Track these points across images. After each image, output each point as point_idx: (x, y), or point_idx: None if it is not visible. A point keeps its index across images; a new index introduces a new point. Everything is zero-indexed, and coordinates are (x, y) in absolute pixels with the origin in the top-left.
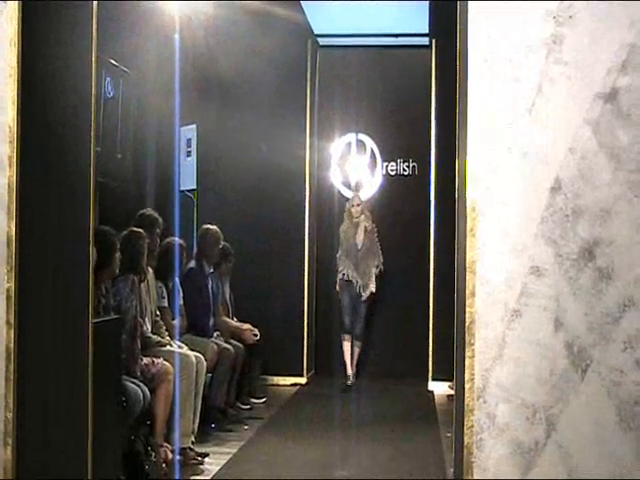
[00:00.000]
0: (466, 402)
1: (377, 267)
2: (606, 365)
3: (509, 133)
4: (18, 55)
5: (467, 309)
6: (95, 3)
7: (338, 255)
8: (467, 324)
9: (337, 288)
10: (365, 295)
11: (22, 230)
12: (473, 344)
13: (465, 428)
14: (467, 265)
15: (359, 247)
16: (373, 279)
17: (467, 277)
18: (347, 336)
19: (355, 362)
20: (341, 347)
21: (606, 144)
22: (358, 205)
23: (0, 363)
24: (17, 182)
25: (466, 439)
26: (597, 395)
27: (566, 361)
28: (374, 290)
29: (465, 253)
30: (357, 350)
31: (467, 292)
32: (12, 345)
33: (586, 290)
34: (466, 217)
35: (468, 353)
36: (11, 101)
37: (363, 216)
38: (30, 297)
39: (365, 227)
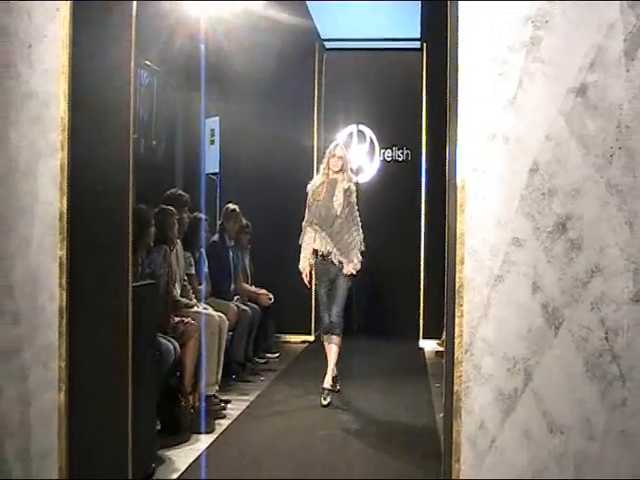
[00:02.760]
0: (455, 355)
1: (361, 243)
2: (576, 323)
3: (494, 122)
4: (69, 55)
5: (457, 275)
6: (134, 11)
7: (305, 223)
8: (457, 288)
9: (304, 271)
10: (347, 272)
11: (72, 205)
12: (462, 305)
13: (455, 378)
14: (457, 237)
15: (337, 213)
16: (359, 255)
17: (457, 247)
18: (330, 337)
19: (334, 369)
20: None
21: (577, 132)
22: (340, 158)
23: (54, 320)
24: (68, 164)
25: (455, 387)
26: (568, 349)
27: (542, 320)
28: (358, 268)
29: (455, 226)
30: (336, 350)
31: (457, 260)
32: (64, 304)
33: (559, 258)
34: (456, 195)
35: (457, 313)
36: (63, 95)
37: (345, 174)
38: (79, 263)
39: (344, 188)
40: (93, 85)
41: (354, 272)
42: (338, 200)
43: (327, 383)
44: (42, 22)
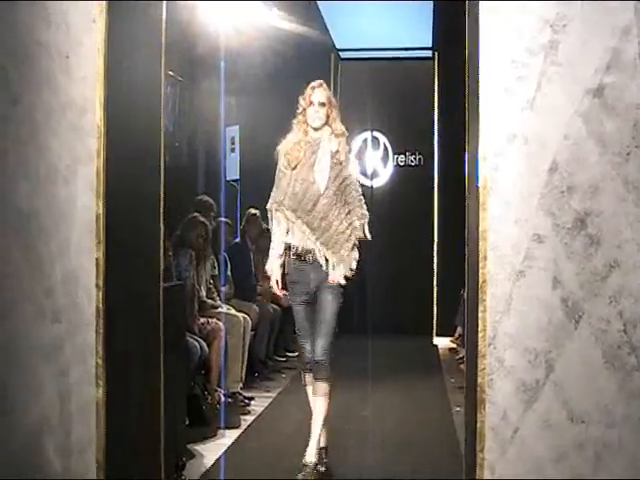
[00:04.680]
0: (479, 349)
1: (363, 229)
2: (595, 316)
3: (514, 123)
4: (104, 63)
5: (480, 271)
6: (164, 24)
7: (271, 206)
8: (480, 283)
9: (272, 277)
10: (333, 279)
11: (108, 209)
12: (485, 300)
13: (478, 370)
14: (479, 234)
15: (321, 190)
16: (355, 253)
17: (480, 244)
18: (315, 384)
19: (322, 435)
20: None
21: (594, 132)
22: (322, 105)
23: (92, 319)
24: (103, 169)
25: (479, 379)
26: (587, 341)
27: (562, 313)
28: (351, 271)
29: (477, 224)
30: (324, 404)
31: (480, 257)
32: (101, 304)
33: (579, 254)
34: (478, 194)
35: (481, 308)
36: (99, 102)
37: (333, 127)
38: (114, 264)
39: (332, 151)
40: (125, 93)
41: (342, 279)
42: (322, 170)
43: (310, 457)
44: (79, 33)
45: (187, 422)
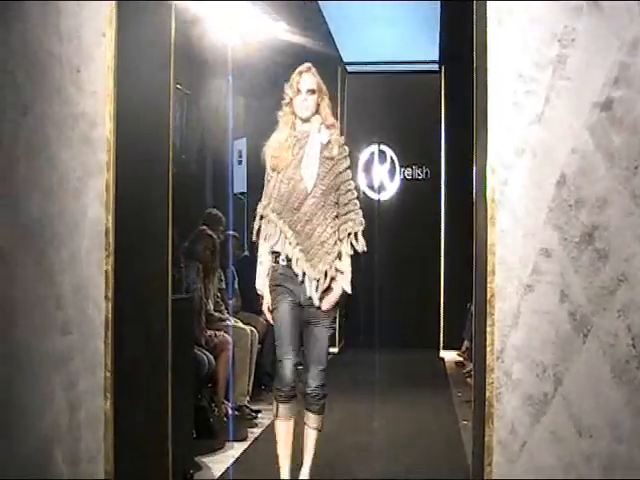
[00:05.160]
0: (487, 362)
1: (355, 235)
2: (603, 330)
3: (522, 136)
4: (114, 78)
5: (488, 285)
6: (172, 38)
7: (260, 209)
8: (488, 297)
9: (265, 296)
10: (318, 303)
11: (117, 222)
12: (493, 314)
13: (486, 384)
14: (488, 248)
15: (308, 189)
16: (345, 265)
17: (488, 258)
18: (286, 407)
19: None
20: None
21: (602, 145)
22: (310, 92)
23: (100, 330)
24: (113, 183)
25: (487, 393)
26: (595, 355)
27: (570, 327)
28: (341, 291)
29: (486, 238)
30: (314, 439)
31: (488, 270)
32: (110, 315)
33: (586, 267)
34: (486, 208)
35: (489, 321)
36: (108, 117)
37: (322, 117)
38: (123, 277)
39: (322, 144)
40: (135, 107)
41: (333, 303)
42: (310, 165)
43: None
44: (90, 46)
45: (195, 435)
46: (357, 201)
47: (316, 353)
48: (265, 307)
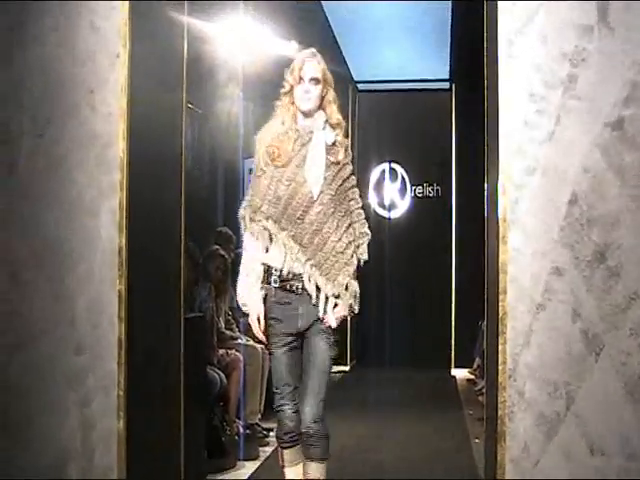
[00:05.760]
0: (499, 381)
1: (362, 249)
2: (615, 348)
3: (534, 156)
4: (127, 99)
5: (500, 304)
6: (185, 59)
7: (245, 212)
8: (500, 316)
9: (253, 314)
10: (328, 321)
11: (130, 242)
12: (505, 333)
13: (499, 403)
14: (499, 267)
15: (314, 195)
16: (353, 284)
17: (499, 277)
18: (291, 452)
19: None
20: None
21: (613, 164)
22: (314, 82)
23: (113, 350)
24: (126, 202)
25: (500, 412)
26: (608, 373)
27: (582, 345)
28: (355, 311)
29: (497, 256)
30: None
31: (499, 289)
32: (122, 336)
33: (598, 286)
34: (498, 227)
35: (501, 340)
36: (122, 136)
37: (328, 113)
38: (136, 296)
39: (328, 144)
40: (148, 127)
41: (338, 320)
42: (315, 167)
43: None
44: (104, 68)
45: (206, 453)
46: (362, 211)
47: (315, 384)
48: (253, 318)
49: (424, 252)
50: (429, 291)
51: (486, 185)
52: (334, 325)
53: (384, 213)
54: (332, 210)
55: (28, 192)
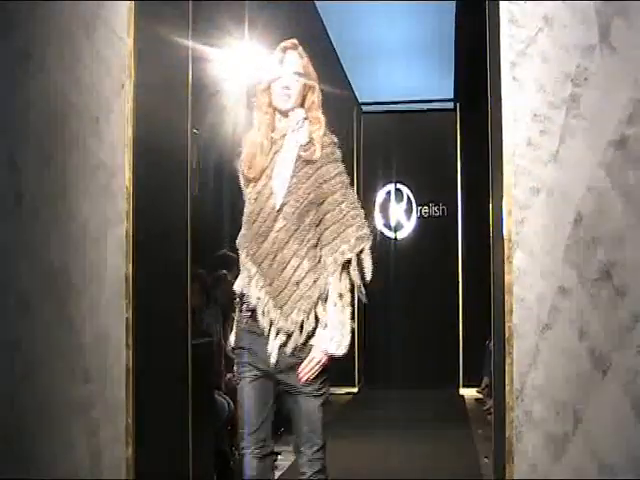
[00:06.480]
0: (507, 401)
1: (341, 275)
2: (623, 367)
3: (538, 176)
4: (133, 129)
5: (506, 324)
6: (190, 88)
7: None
8: (506, 337)
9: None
10: (303, 376)
11: (137, 270)
12: (512, 353)
13: (507, 423)
14: (505, 287)
15: (276, 205)
16: (331, 317)
17: (505, 297)
18: None
19: None
20: None
21: (618, 183)
22: (297, 77)
23: (121, 378)
24: (133, 231)
25: (507, 432)
26: (615, 392)
27: (589, 365)
28: (336, 354)
29: (503, 276)
30: None
31: (505, 310)
32: (130, 363)
33: (604, 305)
34: (503, 247)
35: (508, 361)
36: (127, 166)
37: (302, 112)
38: (144, 324)
39: (300, 144)
40: (153, 156)
41: (310, 371)
42: (282, 177)
43: None
44: (109, 98)
45: (215, 478)
46: (358, 212)
47: (305, 430)
48: (229, 347)
49: (431, 272)
50: (436, 311)
51: (491, 206)
52: (301, 380)
53: (390, 234)
54: (297, 225)
55: (35, 221)
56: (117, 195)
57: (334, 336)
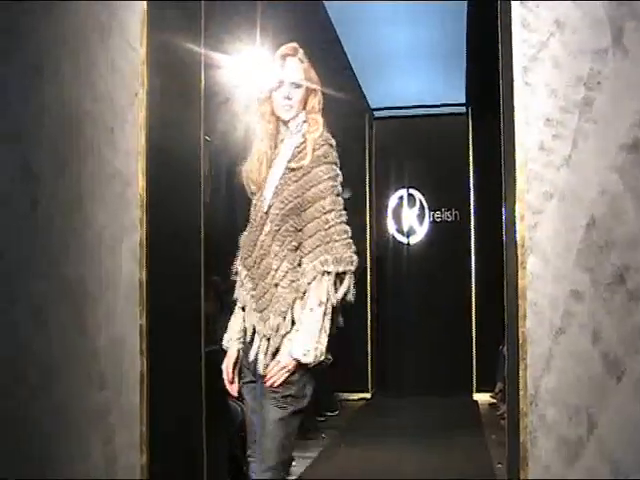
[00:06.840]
0: (521, 407)
1: (320, 285)
2: (637, 371)
3: (550, 181)
4: (146, 137)
5: (520, 329)
6: (202, 97)
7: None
8: (520, 342)
9: (227, 356)
10: (271, 379)
11: (151, 277)
12: (525, 359)
13: (520, 428)
14: (519, 292)
15: (264, 208)
16: (304, 323)
17: (519, 302)
18: None
19: None
20: None
21: (631, 187)
22: (297, 86)
23: (135, 385)
24: (146, 238)
25: (522, 437)
26: (629, 396)
27: (603, 369)
28: (300, 358)
29: (516, 281)
30: None
31: (519, 315)
32: (145, 370)
33: (618, 309)
34: (517, 252)
35: (521, 366)
36: (141, 174)
37: (302, 117)
38: (158, 330)
39: (294, 148)
40: (166, 163)
41: (277, 375)
42: (272, 180)
43: None
44: (123, 106)
45: None
46: (344, 227)
47: (262, 444)
48: (224, 366)
49: (443, 277)
50: (450, 316)
51: (504, 211)
52: (267, 383)
53: (403, 239)
54: (277, 228)
55: (49, 230)
56: (132, 203)
57: (305, 342)
